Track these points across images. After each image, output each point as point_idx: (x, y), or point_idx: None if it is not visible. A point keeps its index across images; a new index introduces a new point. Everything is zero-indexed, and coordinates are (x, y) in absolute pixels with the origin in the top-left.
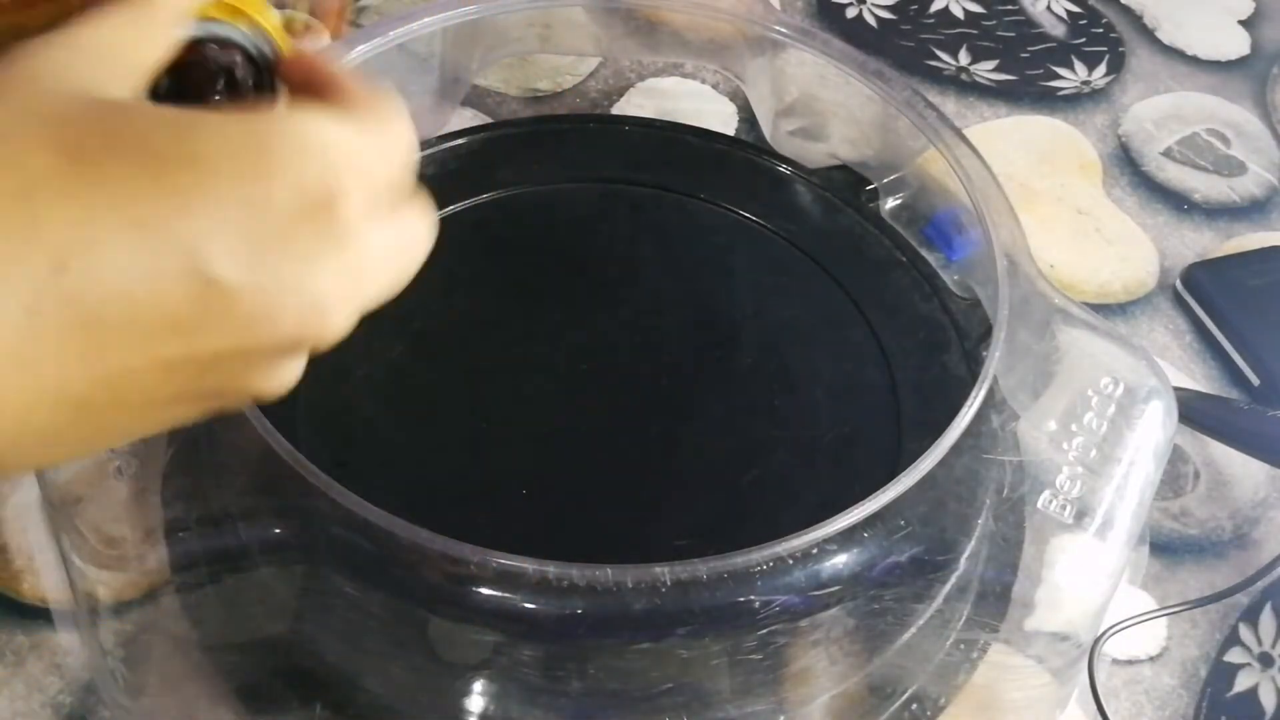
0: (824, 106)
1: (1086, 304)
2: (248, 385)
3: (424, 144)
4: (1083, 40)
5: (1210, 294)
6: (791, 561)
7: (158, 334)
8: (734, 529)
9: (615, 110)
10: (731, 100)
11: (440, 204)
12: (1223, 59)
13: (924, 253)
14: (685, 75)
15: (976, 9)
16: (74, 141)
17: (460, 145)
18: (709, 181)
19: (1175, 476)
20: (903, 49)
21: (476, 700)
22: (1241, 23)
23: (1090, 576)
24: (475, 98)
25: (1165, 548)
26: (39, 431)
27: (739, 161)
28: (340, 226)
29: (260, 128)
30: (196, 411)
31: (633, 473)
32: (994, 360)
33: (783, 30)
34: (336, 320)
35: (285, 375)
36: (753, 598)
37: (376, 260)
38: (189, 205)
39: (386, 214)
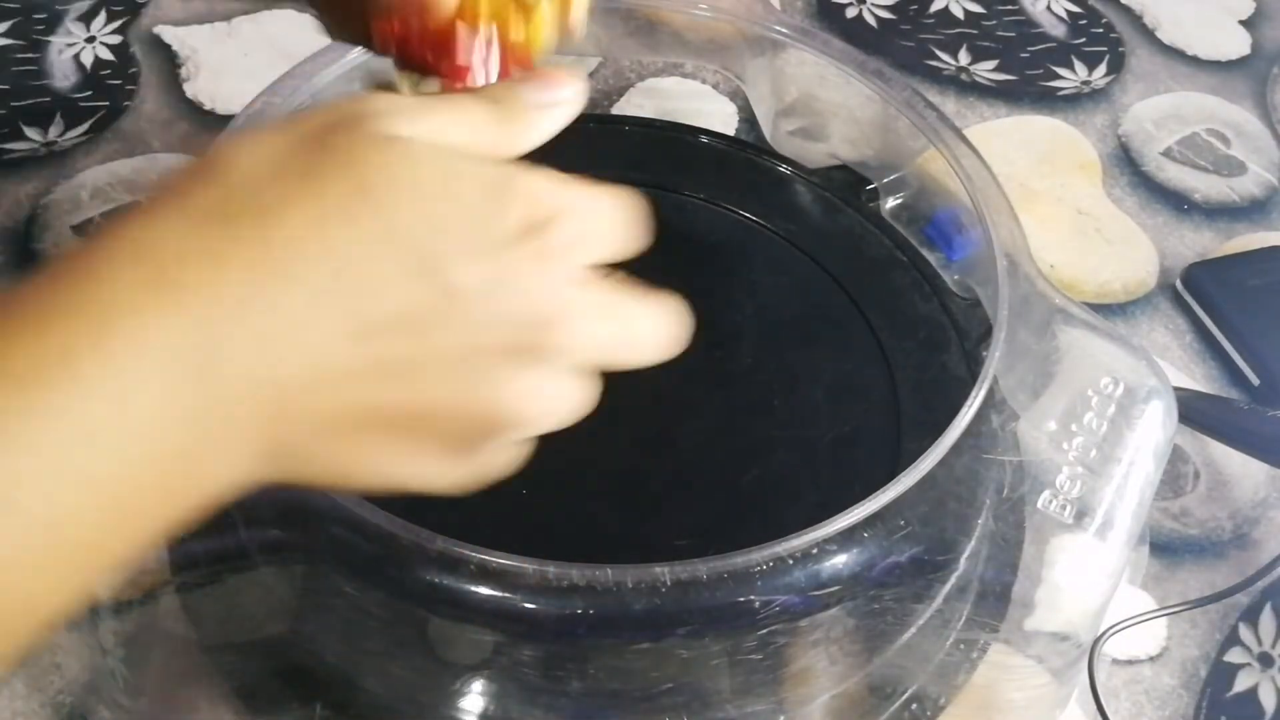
0: (824, 106)
1: (1086, 304)
2: (477, 396)
3: None
4: (1083, 40)
5: (1210, 294)
6: (791, 561)
7: (398, 330)
8: (734, 529)
9: (615, 110)
10: (731, 100)
11: None
12: (1223, 59)
13: (924, 253)
14: (685, 75)
15: (976, 9)
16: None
17: None
18: (709, 181)
19: (1175, 476)
20: (903, 49)
21: (476, 700)
22: (1241, 23)
23: (1090, 576)
24: None
25: (1165, 548)
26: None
27: (739, 161)
28: (553, 247)
29: (501, 175)
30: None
31: (633, 473)
32: (994, 360)
33: (783, 30)
34: (570, 333)
35: (527, 386)
36: (753, 598)
37: (596, 304)
38: (444, 234)
39: (600, 278)
